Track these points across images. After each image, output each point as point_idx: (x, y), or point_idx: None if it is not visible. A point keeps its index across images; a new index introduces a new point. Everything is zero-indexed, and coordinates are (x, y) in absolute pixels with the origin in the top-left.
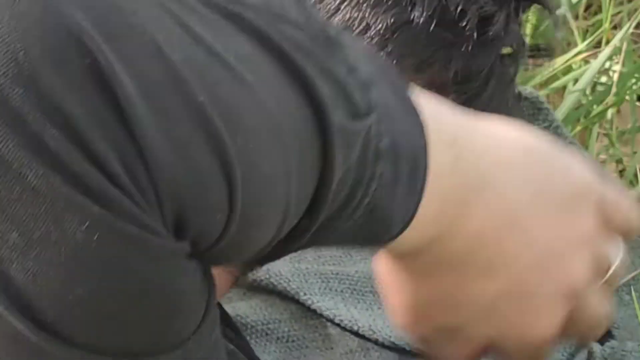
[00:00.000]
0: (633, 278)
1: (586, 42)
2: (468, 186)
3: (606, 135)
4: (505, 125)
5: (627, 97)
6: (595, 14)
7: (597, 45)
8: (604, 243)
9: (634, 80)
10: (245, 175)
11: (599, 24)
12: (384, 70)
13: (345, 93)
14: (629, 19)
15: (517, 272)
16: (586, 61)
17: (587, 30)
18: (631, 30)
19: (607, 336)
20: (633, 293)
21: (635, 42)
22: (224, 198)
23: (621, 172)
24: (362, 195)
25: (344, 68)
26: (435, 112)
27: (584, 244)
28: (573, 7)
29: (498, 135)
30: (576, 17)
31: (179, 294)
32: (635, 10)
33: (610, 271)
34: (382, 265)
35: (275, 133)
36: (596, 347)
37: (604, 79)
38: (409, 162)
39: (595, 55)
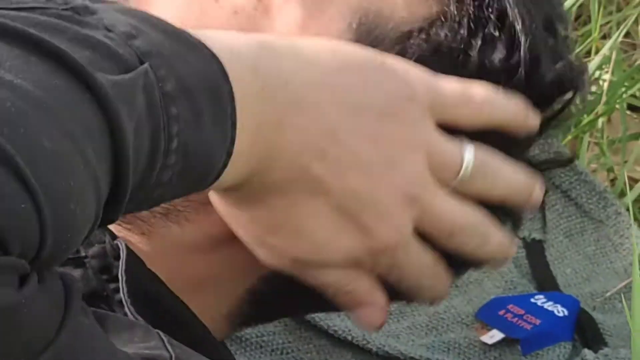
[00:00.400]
0: (625, 286)
1: (576, 52)
2: (280, 111)
3: (597, 144)
4: (315, 42)
5: (617, 106)
6: (585, 23)
7: (587, 54)
8: (444, 144)
9: (623, 89)
10: (30, 159)
11: (589, 33)
12: (149, 21)
13: (110, 52)
14: (617, 29)
15: (347, 185)
16: None
17: (576, 40)
18: (620, 39)
19: (600, 344)
20: (624, 301)
21: (625, 52)
22: (23, 197)
23: (612, 181)
24: (167, 140)
25: (100, 31)
26: (229, 44)
27: (415, 148)
28: None
29: (306, 54)
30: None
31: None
32: (624, 19)
33: (462, 172)
34: (218, 207)
35: (47, 113)
36: (590, 355)
37: (594, 88)
38: (208, 95)
39: None
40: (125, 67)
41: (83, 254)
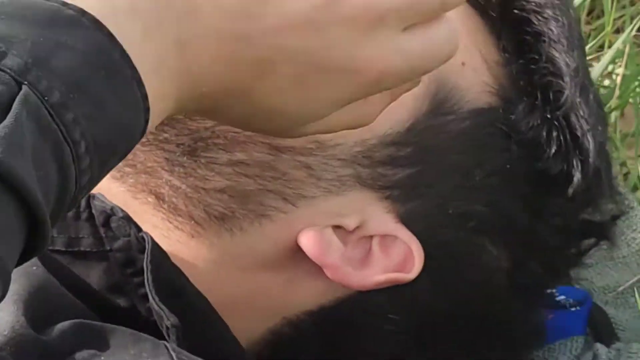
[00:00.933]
0: (638, 280)
1: (589, 46)
2: (180, 26)
3: (610, 138)
4: None
5: (630, 100)
6: (598, 17)
7: (600, 48)
8: None
9: (637, 83)
10: None
11: (602, 27)
12: (9, 10)
13: None
14: (631, 22)
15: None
16: (589, 64)
17: (589, 34)
18: (634, 33)
19: (612, 338)
20: (637, 296)
21: (638, 46)
22: None
23: (625, 175)
24: (73, 148)
25: None
26: None
27: None
28: (576, 11)
29: None
30: (579, 21)
31: None
32: (638, 13)
33: None
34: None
35: None
36: (602, 349)
37: (607, 82)
38: (102, 73)
39: (598, 59)
40: (3, 107)
41: (107, 247)
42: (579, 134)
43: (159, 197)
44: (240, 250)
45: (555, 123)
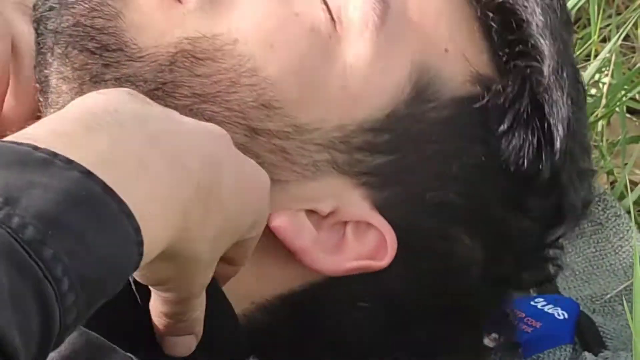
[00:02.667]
0: (625, 288)
1: (576, 55)
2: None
3: (596, 147)
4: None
5: (616, 109)
6: (584, 27)
7: (587, 57)
8: None
9: (623, 92)
10: None
11: (588, 36)
12: None
13: None
14: (617, 32)
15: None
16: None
17: (576, 43)
18: (619, 42)
19: (600, 347)
20: (625, 304)
21: (624, 55)
22: None
23: (612, 184)
24: (56, 286)
25: None
26: (64, 134)
27: None
28: None
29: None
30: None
31: None
32: (624, 22)
33: None
34: None
35: None
36: (590, 358)
37: (593, 90)
38: (80, 207)
39: (584, 68)
40: None
41: None
42: (551, 121)
43: None
44: None
45: (532, 114)
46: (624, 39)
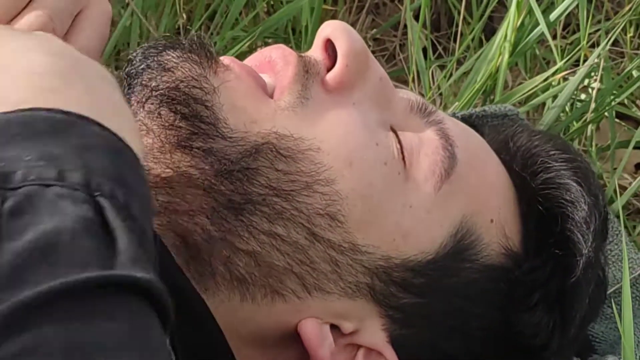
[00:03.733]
0: (614, 292)
1: (565, 60)
2: None
3: (586, 151)
4: None
5: (606, 114)
6: (574, 32)
7: (576, 63)
8: None
9: (612, 97)
10: None
11: (577, 42)
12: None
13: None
14: (606, 37)
15: None
16: (565, 78)
17: (565, 49)
18: (608, 47)
19: (589, 350)
20: (614, 306)
21: (613, 60)
22: None
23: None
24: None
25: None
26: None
27: None
28: (551, 26)
29: None
30: (554, 36)
31: None
32: (613, 28)
33: None
34: None
35: None
36: None
37: (583, 96)
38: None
39: (573, 73)
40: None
41: None
42: (572, 313)
43: (185, 241)
44: (242, 317)
45: (557, 300)
46: (613, 44)
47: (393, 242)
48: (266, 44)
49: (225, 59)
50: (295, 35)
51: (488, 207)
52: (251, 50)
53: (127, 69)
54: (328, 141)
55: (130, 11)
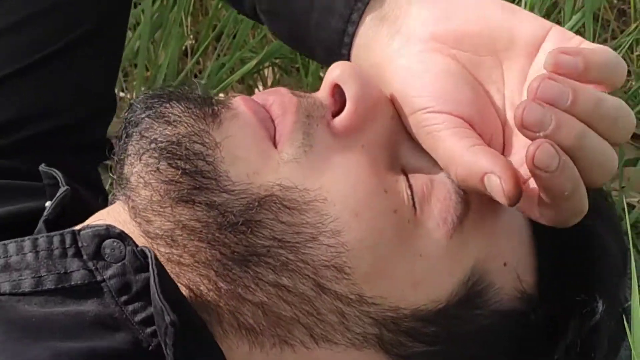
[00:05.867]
0: (624, 309)
1: None
2: None
3: None
4: None
5: None
6: None
7: None
8: None
9: None
10: None
11: None
12: None
13: None
14: None
15: None
16: None
17: None
18: None
19: None
20: (625, 324)
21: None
22: None
23: None
24: None
25: None
26: None
27: None
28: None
29: None
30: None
31: None
32: (619, 47)
33: None
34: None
35: None
36: None
37: None
38: None
39: None
40: None
41: (99, 278)
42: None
43: (192, 291)
44: None
45: (575, 349)
46: None
47: (402, 292)
48: (273, 65)
49: (237, 100)
50: (302, 56)
51: (501, 250)
52: (258, 71)
53: (127, 115)
54: (335, 191)
55: (139, 33)
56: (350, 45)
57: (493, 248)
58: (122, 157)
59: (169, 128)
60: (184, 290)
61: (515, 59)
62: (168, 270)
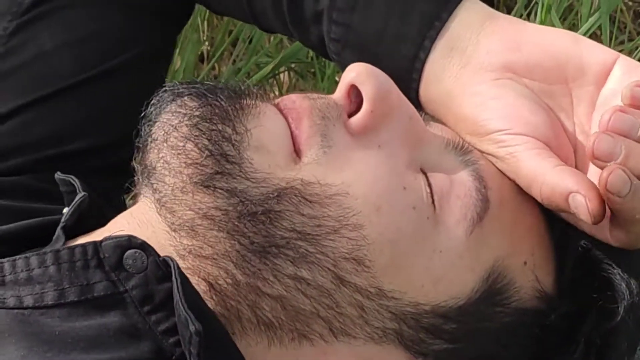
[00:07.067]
0: None
1: None
2: None
3: None
4: None
5: None
6: None
7: None
8: None
9: None
10: None
11: None
12: None
13: None
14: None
15: None
16: None
17: None
18: None
19: None
20: None
21: None
22: None
23: None
24: None
25: None
26: None
27: None
28: None
29: None
30: None
31: None
32: (636, 49)
33: None
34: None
35: None
36: None
37: None
38: None
39: None
40: None
41: (121, 288)
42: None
43: (211, 286)
44: None
45: (590, 349)
46: None
47: (422, 288)
48: (289, 69)
49: (284, 101)
50: (319, 60)
51: (521, 249)
52: (274, 75)
53: (165, 89)
54: (356, 186)
55: None
56: (421, 71)
57: (513, 246)
58: (147, 142)
59: (207, 107)
60: (204, 285)
61: (585, 88)
62: (189, 264)
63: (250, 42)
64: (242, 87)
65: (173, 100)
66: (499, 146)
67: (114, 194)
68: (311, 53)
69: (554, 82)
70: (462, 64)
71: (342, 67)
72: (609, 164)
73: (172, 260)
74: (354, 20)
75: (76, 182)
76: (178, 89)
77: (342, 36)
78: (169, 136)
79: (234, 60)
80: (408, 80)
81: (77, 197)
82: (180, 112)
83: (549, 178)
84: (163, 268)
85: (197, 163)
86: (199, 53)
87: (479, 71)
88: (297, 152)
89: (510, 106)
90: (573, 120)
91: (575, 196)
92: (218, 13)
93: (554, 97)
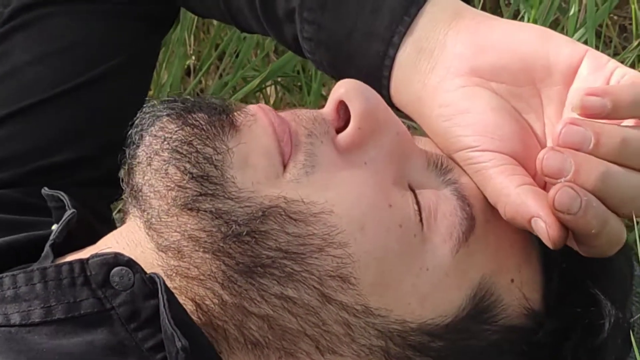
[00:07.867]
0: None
1: None
2: None
3: None
4: None
5: None
6: None
7: None
8: None
9: None
10: None
11: None
12: None
13: None
14: None
15: None
16: None
17: None
18: None
19: None
20: (632, 336)
21: None
22: None
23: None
24: None
25: None
26: None
27: None
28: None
29: None
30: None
31: None
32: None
33: None
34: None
35: None
36: None
37: None
38: None
39: None
40: None
41: (108, 306)
42: None
43: (198, 306)
44: None
45: None
46: None
47: (409, 305)
48: (276, 83)
49: (256, 108)
50: (306, 73)
51: (508, 266)
52: (261, 89)
53: (141, 119)
54: (341, 204)
55: None
56: (390, 68)
57: (499, 264)
58: (132, 163)
59: (186, 129)
60: (191, 305)
61: (553, 87)
62: (176, 284)
63: (237, 56)
64: (223, 103)
65: (153, 123)
66: (468, 163)
67: (100, 205)
68: (298, 67)
69: (522, 84)
70: (430, 68)
71: (318, 66)
72: (559, 181)
73: (159, 277)
74: (324, 18)
75: (65, 198)
76: (157, 111)
77: (314, 35)
78: (152, 160)
79: (221, 74)
80: (379, 78)
81: (66, 215)
82: (160, 135)
83: (512, 199)
84: (149, 285)
85: (180, 186)
86: (186, 67)
87: (447, 76)
88: (284, 167)
89: (478, 122)
90: (543, 121)
91: (537, 221)
92: (202, 16)
93: (523, 99)
